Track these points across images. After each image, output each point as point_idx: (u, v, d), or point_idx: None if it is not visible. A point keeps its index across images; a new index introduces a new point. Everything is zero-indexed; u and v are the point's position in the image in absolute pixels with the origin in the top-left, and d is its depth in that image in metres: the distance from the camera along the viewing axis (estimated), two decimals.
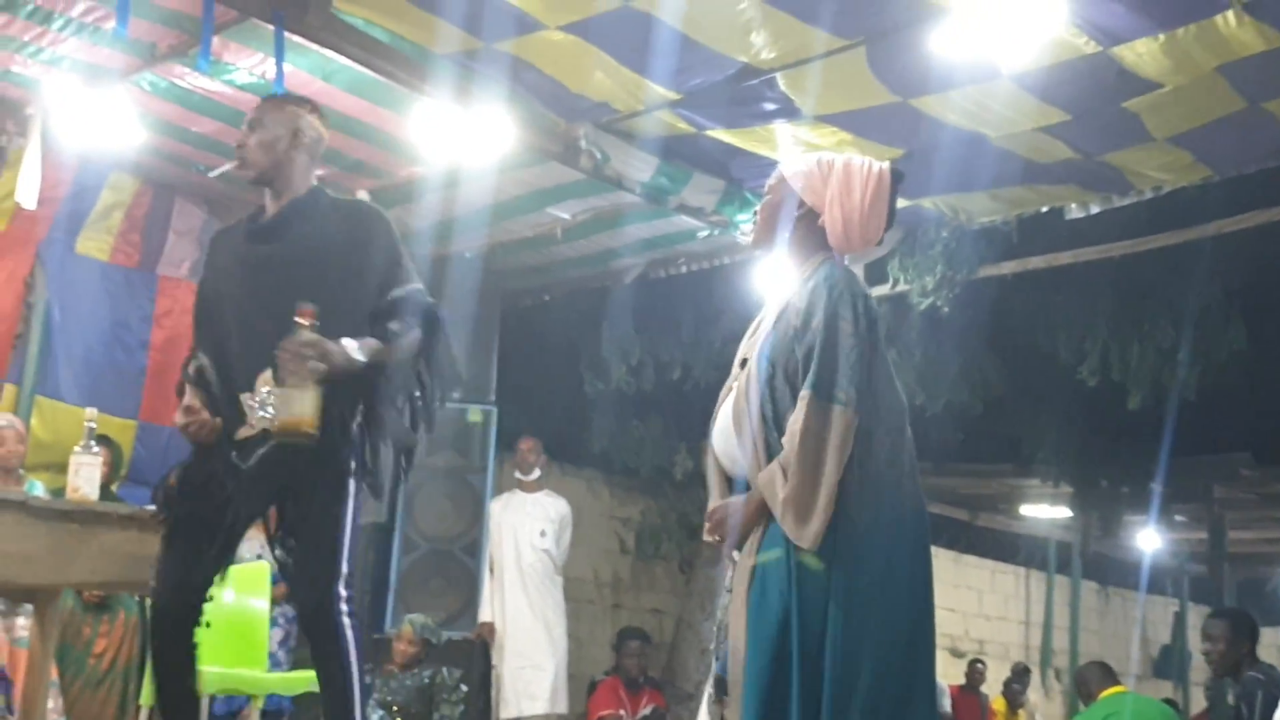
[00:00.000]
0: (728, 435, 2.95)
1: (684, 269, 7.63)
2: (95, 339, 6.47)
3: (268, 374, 3.05)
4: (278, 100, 3.45)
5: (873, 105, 5.33)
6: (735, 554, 2.89)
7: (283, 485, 3.10)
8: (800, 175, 2.91)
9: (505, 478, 7.64)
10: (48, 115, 5.58)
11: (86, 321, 6.45)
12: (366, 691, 3.09)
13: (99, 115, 5.50)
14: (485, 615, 7.09)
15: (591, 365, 8.87)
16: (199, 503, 3.12)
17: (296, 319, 2.97)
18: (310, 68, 5.20)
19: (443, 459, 7.36)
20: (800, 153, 5.89)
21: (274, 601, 5.46)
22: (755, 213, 3.02)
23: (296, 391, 2.95)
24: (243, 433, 3.12)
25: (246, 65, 5.26)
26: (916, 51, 4.80)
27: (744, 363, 2.99)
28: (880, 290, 6.94)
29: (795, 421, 2.73)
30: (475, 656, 7.01)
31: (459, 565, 7.19)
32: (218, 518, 3.10)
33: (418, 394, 3.26)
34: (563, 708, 7.16)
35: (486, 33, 4.92)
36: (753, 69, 5.10)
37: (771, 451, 2.80)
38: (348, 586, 3.00)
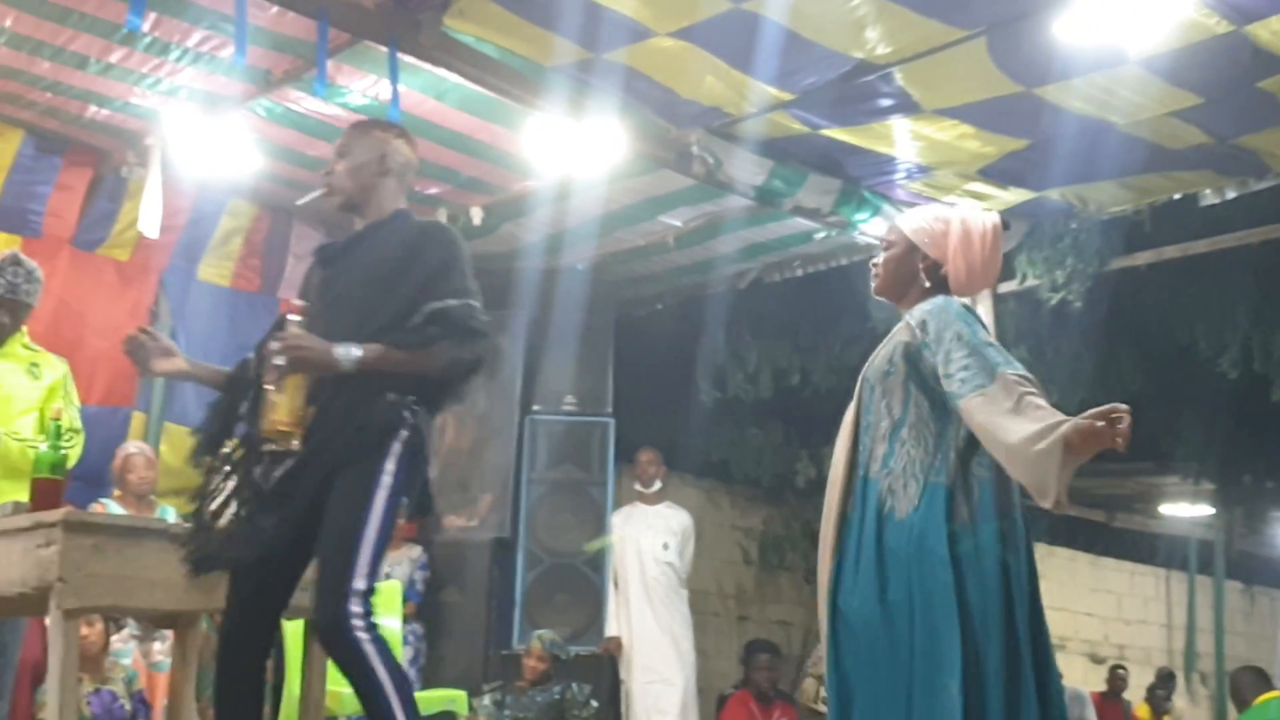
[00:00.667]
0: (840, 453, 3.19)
1: (800, 272, 7.63)
2: (220, 363, 6.61)
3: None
4: (365, 126, 3.46)
5: (994, 96, 5.30)
6: None
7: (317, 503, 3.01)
8: (922, 230, 3.19)
9: (625, 490, 7.71)
10: (167, 145, 5.79)
11: (210, 347, 6.64)
12: (411, 706, 2.94)
13: (216, 143, 5.70)
14: (611, 630, 7.17)
15: (708, 373, 8.91)
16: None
17: (287, 315, 3.01)
18: (423, 87, 5.34)
19: (563, 472, 7.47)
20: (915, 149, 5.91)
21: (404, 619, 5.57)
22: (874, 264, 3.26)
23: (273, 392, 2.96)
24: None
25: (360, 87, 5.41)
26: (1040, 39, 4.77)
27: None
28: (1008, 286, 6.88)
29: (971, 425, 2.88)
30: (603, 671, 7.09)
31: (583, 579, 7.28)
32: (274, 545, 3.03)
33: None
34: None
35: (597, 43, 4.99)
36: (868, 65, 5.10)
37: (851, 464, 3.07)
38: (364, 604, 2.89)
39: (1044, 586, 2.95)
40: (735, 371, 8.90)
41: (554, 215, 6.85)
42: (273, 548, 3.00)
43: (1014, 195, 6.38)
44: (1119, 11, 4.52)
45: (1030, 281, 6.82)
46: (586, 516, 7.43)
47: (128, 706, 5.45)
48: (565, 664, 6.57)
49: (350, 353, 2.94)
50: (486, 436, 7.49)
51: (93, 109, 5.74)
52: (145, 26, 4.76)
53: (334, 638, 2.87)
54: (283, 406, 2.95)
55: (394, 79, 4.91)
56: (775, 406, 9.23)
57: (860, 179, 6.31)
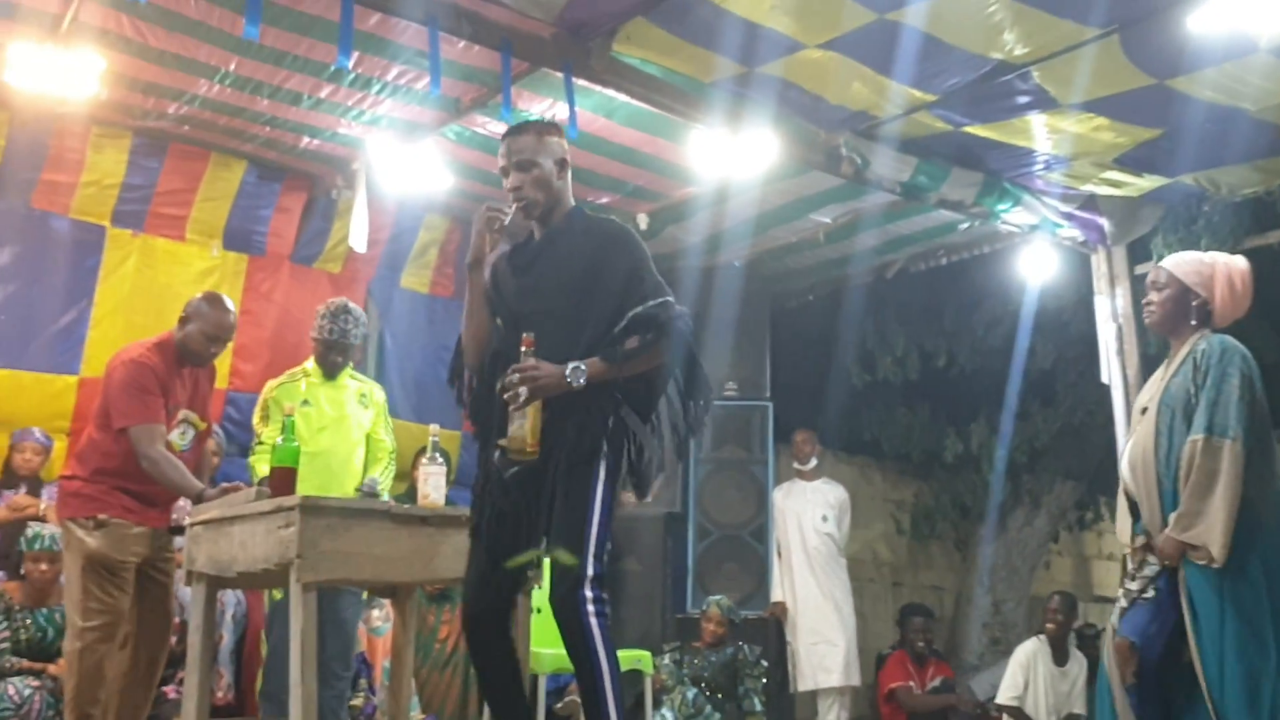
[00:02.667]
0: (1135, 471, 3.56)
1: (944, 260, 7.50)
2: (422, 362, 6.87)
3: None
4: (535, 132, 3.22)
5: (1128, 90, 5.13)
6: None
7: (548, 488, 3.05)
8: (1193, 273, 3.64)
9: (784, 468, 7.69)
10: (371, 169, 5.98)
11: (414, 347, 6.87)
12: (620, 692, 2.94)
13: (414, 165, 5.85)
14: (777, 595, 7.17)
15: (858, 358, 8.82)
16: (495, 506, 3.13)
17: (521, 347, 3.01)
18: (594, 107, 5.40)
19: (727, 452, 7.50)
20: (1052, 142, 5.75)
21: None
22: (1150, 303, 3.67)
23: (515, 414, 3.00)
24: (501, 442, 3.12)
25: (539, 110, 5.49)
26: (1172, 33, 4.61)
27: (1144, 410, 3.62)
28: (1145, 268, 6.65)
29: (1203, 457, 3.37)
30: (770, 634, 7.09)
31: (749, 549, 7.30)
32: (512, 520, 3.10)
33: (677, 402, 3.16)
34: (855, 680, 7.15)
35: (752, 59, 4.98)
36: (1006, 65, 4.99)
37: (1161, 485, 3.47)
38: (595, 588, 2.92)
39: None
40: (884, 355, 8.79)
41: (712, 217, 6.86)
42: (501, 532, 3.09)
43: (1148, 181, 6.17)
44: (1250, 2, 4.34)
45: None
46: (749, 492, 7.44)
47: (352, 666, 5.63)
48: (737, 627, 6.59)
49: (579, 374, 2.96)
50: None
51: (306, 139, 5.95)
52: (350, 64, 4.91)
53: (569, 619, 2.90)
54: (528, 429, 3.00)
55: (571, 101, 4.97)
56: (922, 387, 9.08)
57: (1001, 172, 6.18)
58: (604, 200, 6.64)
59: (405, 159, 5.82)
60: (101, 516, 4.15)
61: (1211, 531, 3.31)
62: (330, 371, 5.07)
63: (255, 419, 5.14)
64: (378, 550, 3.35)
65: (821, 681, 7.07)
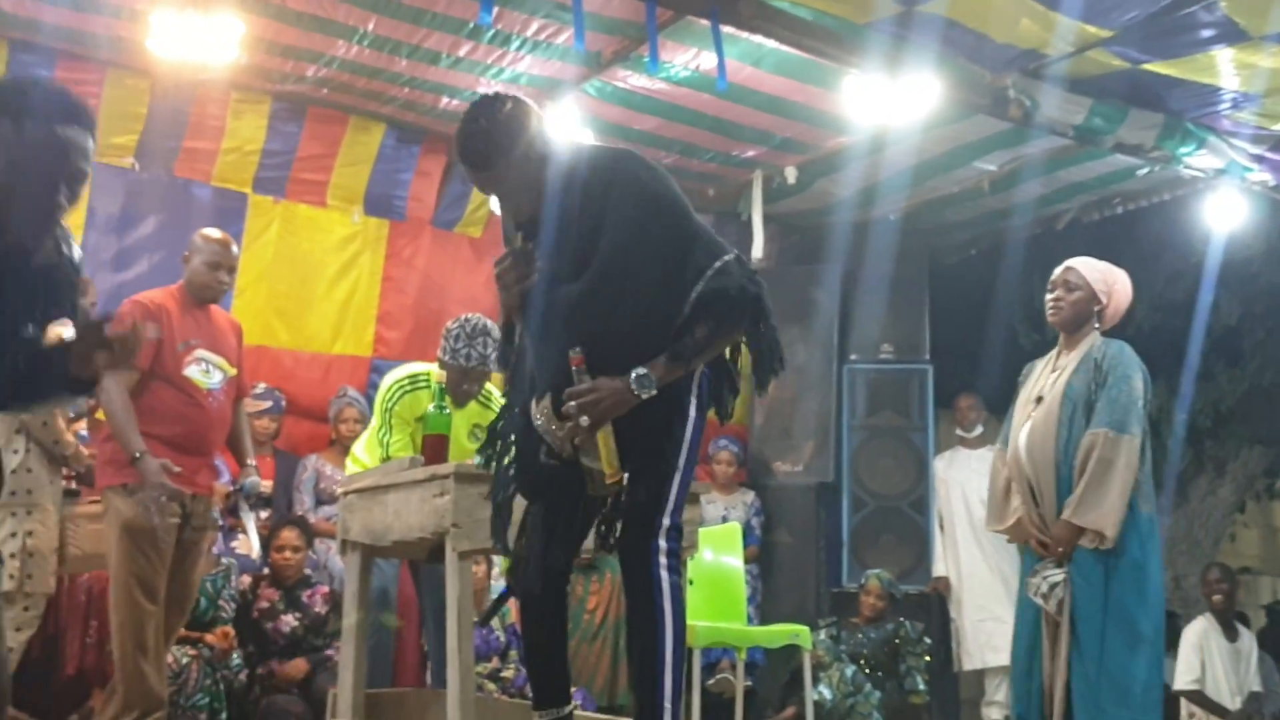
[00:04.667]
0: (1032, 457, 3.99)
1: (1120, 209, 7.26)
2: None
3: (545, 402, 2.82)
4: (483, 147, 2.89)
5: None
6: None
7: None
8: (1100, 280, 4.12)
9: (944, 435, 7.57)
10: None
11: None
12: (681, 661, 2.77)
13: (554, 123, 5.88)
14: (939, 570, 7.07)
15: (1026, 316, 8.59)
16: (545, 484, 2.95)
17: (571, 367, 2.74)
18: (741, 55, 5.36)
19: (883, 419, 7.41)
20: (1241, 78, 5.52)
21: (745, 561, 5.65)
22: (1060, 300, 4.12)
23: (586, 445, 2.77)
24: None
25: (682, 61, 5.48)
26: None
27: (1039, 399, 4.02)
28: None
29: (1101, 450, 3.83)
30: (932, 610, 7.01)
31: (908, 521, 7.21)
32: (567, 498, 2.93)
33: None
34: None
35: None
36: None
37: (1058, 472, 3.91)
38: (672, 538, 2.78)
39: None
40: None
41: (867, 169, 6.75)
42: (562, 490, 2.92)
43: None
44: None
45: None
46: (908, 461, 7.35)
47: (502, 638, 5.76)
48: (897, 602, 6.53)
49: (646, 384, 2.73)
50: (806, 386, 7.50)
51: (445, 99, 6.03)
52: (491, 20, 4.95)
53: (637, 569, 2.79)
54: (603, 459, 2.75)
55: (719, 50, 4.93)
56: None
57: (1183, 112, 5.94)
58: (750, 154, 6.60)
59: (546, 117, 5.83)
60: (133, 484, 4.18)
61: (1107, 517, 3.78)
62: (461, 401, 4.45)
63: (376, 423, 4.61)
64: None
65: (989, 660, 6.93)
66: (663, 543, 2.76)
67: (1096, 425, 3.86)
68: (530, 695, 3.07)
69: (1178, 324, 8.13)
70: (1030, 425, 3.98)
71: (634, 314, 2.78)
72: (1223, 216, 6.65)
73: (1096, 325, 4.11)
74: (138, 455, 4.12)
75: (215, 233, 4.57)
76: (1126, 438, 3.85)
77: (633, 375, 2.72)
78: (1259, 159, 6.25)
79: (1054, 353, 4.19)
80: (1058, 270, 4.20)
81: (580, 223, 2.82)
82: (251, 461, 4.69)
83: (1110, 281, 4.15)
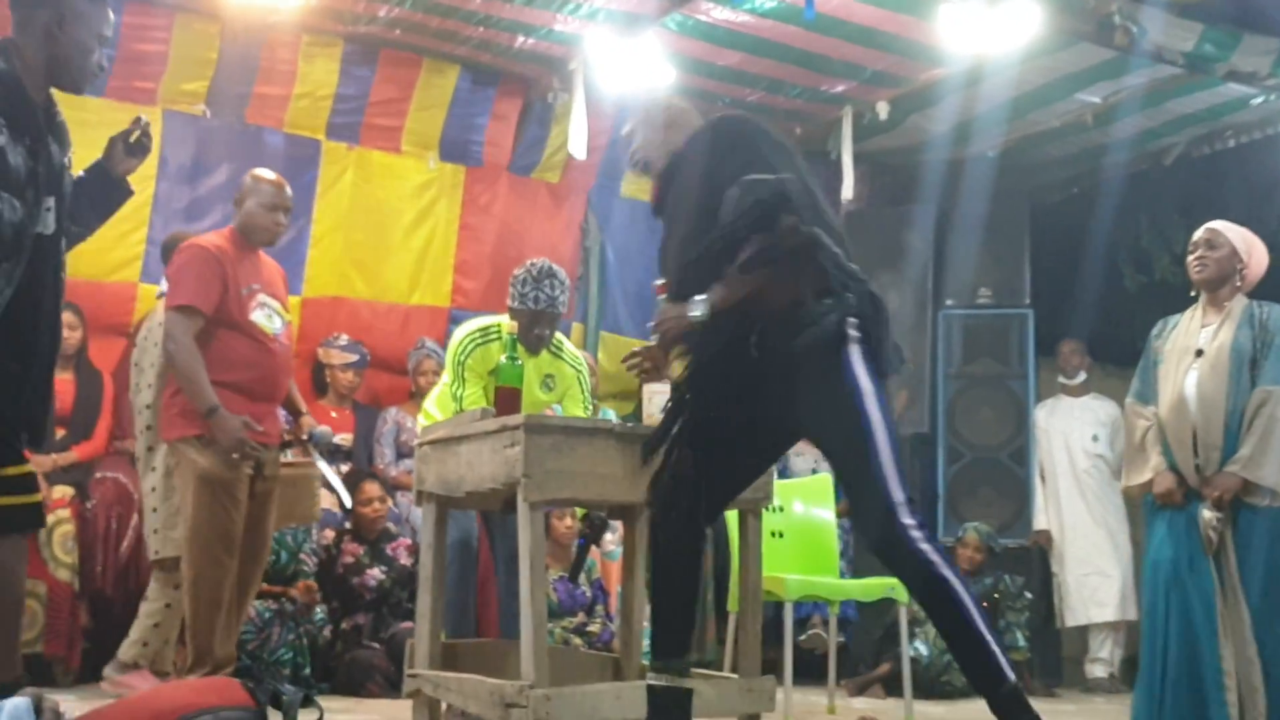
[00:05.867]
0: (1203, 410, 4.06)
1: (1231, 143, 6.99)
2: (645, 273, 6.86)
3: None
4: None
5: None
6: None
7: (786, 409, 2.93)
8: (1240, 240, 4.21)
9: (1045, 383, 7.40)
10: (588, 68, 5.96)
11: (637, 260, 6.87)
12: (981, 610, 2.73)
13: (633, 62, 5.80)
14: (1040, 523, 6.96)
15: (1132, 258, 8.35)
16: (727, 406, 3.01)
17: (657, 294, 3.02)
18: None
19: (980, 366, 7.26)
20: None
21: (837, 515, 5.58)
22: (1205, 259, 4.20)
23: (661, 365, 3.13)
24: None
25: None
26: None
27: (1199, 353, 4.12)
28: None
29: (1273, 407, 3.97)
30: (1033, 564, 6.89)
31: (1007, 473, 7.07)
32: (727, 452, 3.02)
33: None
34: (1133, 614, 6.83)
35: None
36: None
37: (1227, 428, 4.02)
38: (914, 513, 2.73)
39: None
40: (1161, 254, 8.27)
41: (962, 103, 6.56)
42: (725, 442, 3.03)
43: None
44: None
45: None
46: (1007, 410, 7.19)
47: (588, 593, 5.76)
48: (996, 556, 6.42)
49: (699, 304, 2.90)
50: (899, 333, 7.30)
51: (520, 39, 5.97)
52: None
53: (896, 556, 2.75)
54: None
55: None
56: None
57: None
58: (839, 89, 6.45)
59: (624, 55, 5.78)
60: (208, 436, 4.17)
61: (1278, 474, 3.95)
62: (535, 346, 4.51)
63: (449, 377, 4.62)
64: (602, 469, 3.39)
65: (1094, 616, 6.84)
66: (907, 519, 2.72)
67: (1268, 383, 4.02)
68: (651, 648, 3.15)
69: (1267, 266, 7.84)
70: (1198, 376, 4.12)
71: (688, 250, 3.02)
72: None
73: (1239, 285, 4.23)
74: (211, 409, 4.13)
75: (268, 173, 4.55)
76: None
77: (690, 304, 2.93)
78: None
79: (1195, 310, 4.30)
80: (1199, 232, 4.33)
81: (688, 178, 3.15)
82: (305, 409, 4.70)
83: (1250, 242, 4.29)
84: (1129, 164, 7.43)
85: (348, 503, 5.22)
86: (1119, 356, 8.80)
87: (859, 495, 2.87)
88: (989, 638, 2.68)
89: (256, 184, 4.46)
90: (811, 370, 2.84)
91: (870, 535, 2.82)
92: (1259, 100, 6.35)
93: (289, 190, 4.53)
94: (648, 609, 3.94)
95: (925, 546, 2.70)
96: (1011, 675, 2.68)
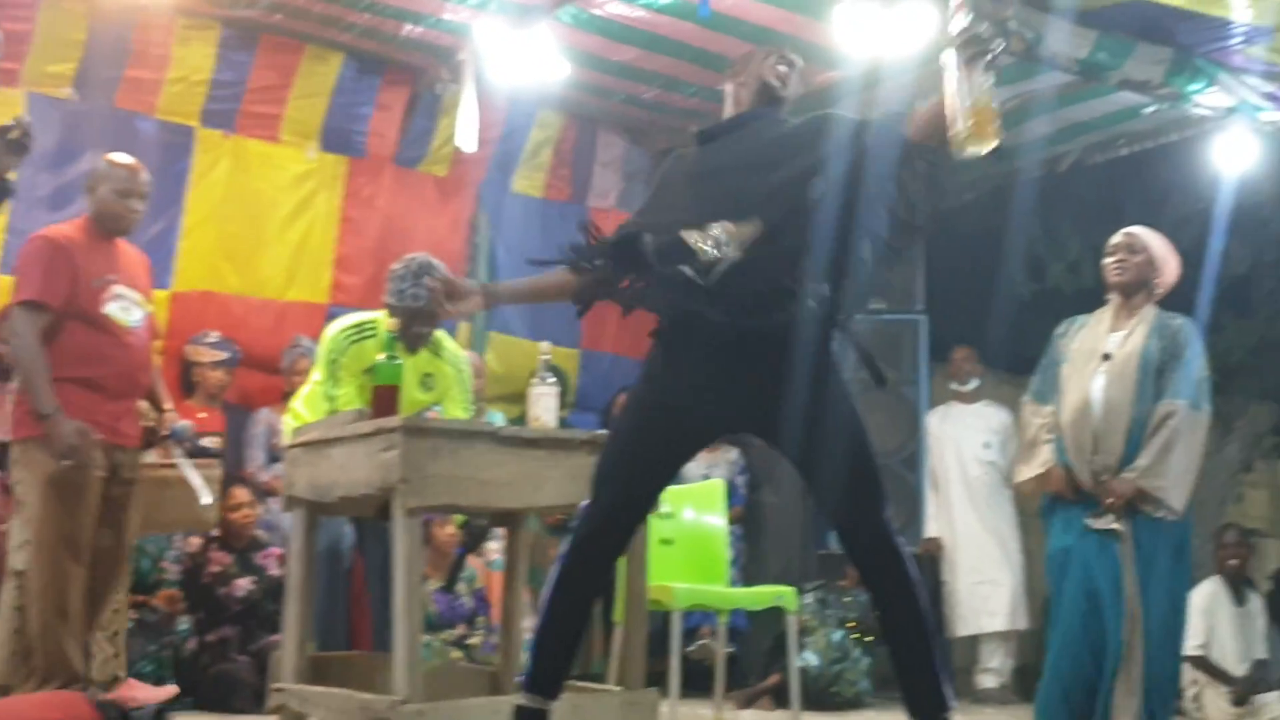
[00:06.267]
0: (1107, 412, 4.14)
1: (1124, 151, 7.09)
2: (537, 274, 6.76)
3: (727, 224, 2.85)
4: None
5: None
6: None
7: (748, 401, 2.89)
8: (1159, 248, 4.32)
9: (939, 389, 7.44)
10: (478, 59, 5.82)
11: (526, 256, 6.74)
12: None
13: (526, 54, 5.68)
14: (931, 530, 6.98)
15: (1025, 265, 8.48)
16: (650, 422, 2.95)
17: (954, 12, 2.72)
18: None
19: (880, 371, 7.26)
20: (1255, 11, 5.35)
21: (730, 522, 5.53)
22: (1124, 262, 4.27)
23: (979, 81, 2.64)
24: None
25: None
26: None
27: (1106, 356, 4.19)
28: None
29: (1179, 423, 4.08)
30: (924, 573, 6.87)
31: (898, 479, 7.07)
32: (668, 438, 2.95)
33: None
34: (1022, 624, 6.93)
35: None
36: None
37: (1130, 433, 4.10)
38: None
39: None
40: (1055, 261, 8.44)
41: (859, 106, 6.55)
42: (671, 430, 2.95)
43: None
44: None
45: None
46: (899, 416, 7.20)
47: (469, 604, 5.63)
48: None
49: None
50: None
51: (408, 27, 5.81)
52: None
53: (887, 546, 2.83)
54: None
55: None
56: (1099, 296, 8.67)
57: (1193, 47, 5.74)
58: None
59: (516, 47, 5.65)
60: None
61: (1176, 489, 4.05)
62: (415, 345, 4.40)
63: (320, 375, 4.45)
64: (484, 475, 3.32)
65: (984, 625, 6.88)
66: (888, 514, 2.86)
67: (1174, 396, 4.10)
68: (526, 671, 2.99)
69: (1184, 272, 7.94)
70: (1105, 380, 4.17)
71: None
72: (1233, 159, 6.49)
73: (1152, 292, 4.32)
74: (47, 414, 3.93)
75: (122, 157, 4.38)
76: (1202, 414, 4.15)
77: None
78: (1271, 97, 6.09)
79: (1104, 313, 4.36)
80: (1117, 236, 4.41)
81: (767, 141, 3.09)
82: (169, 406, 4.52)
83: (1167, 251, 4.38)
84: (1024, 171, 7.48)
85: (205, 501, 5.01)
86: (1012, 364, 8.90)
87: (858, 485, 2.87)
88: (938, 659, 2.77)
89: (110, 169, 4.30)
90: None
91: (871, 524, 2.83)
92: (1151, 109, 6.43)
93: (145, 175, 4.35)
94: (527, 621, 3.86)
95: (902, 540, 2.85)
96: (954, 704, 2.76)
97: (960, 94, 2.63)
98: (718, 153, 3.08)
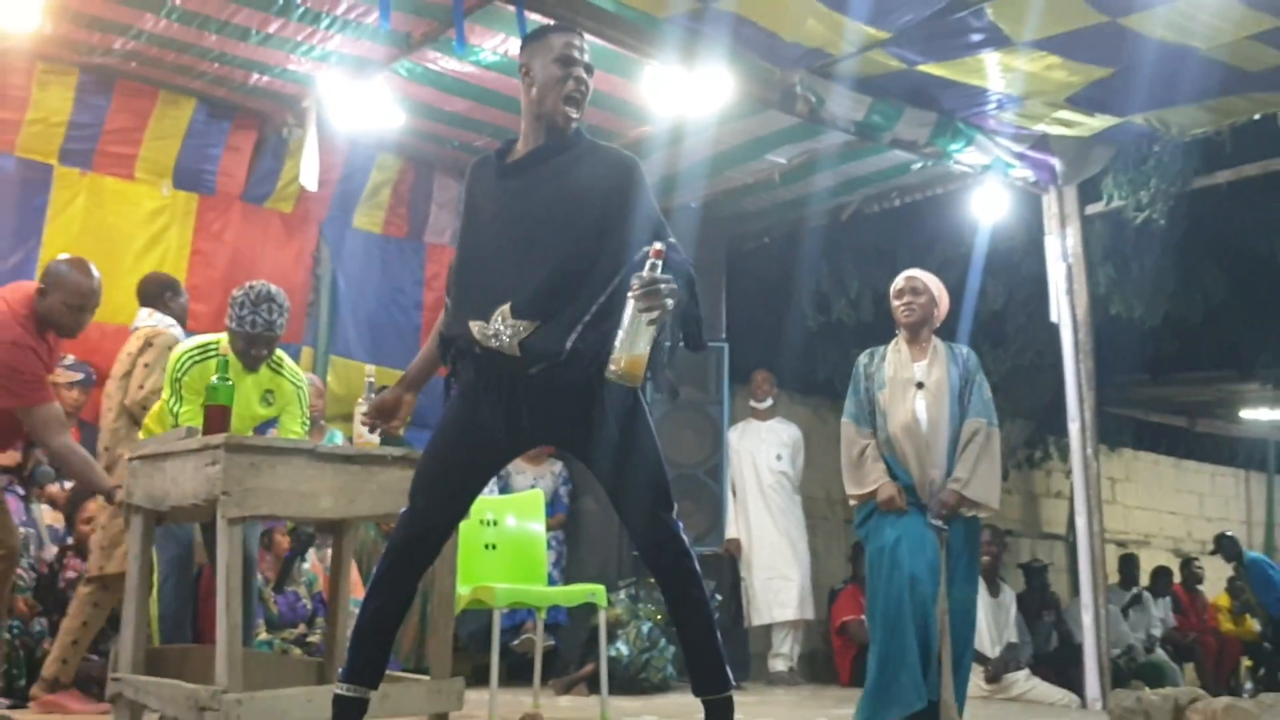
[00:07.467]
0: (927, 433, 4.26)
1: (897, 202, 7.32)
2: (375, 303, 6.65)
3: (506, 308, 2.76)
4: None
5: (1081, 27, 4.96)
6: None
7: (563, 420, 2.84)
8: (937, 289, 4.45)
9: (739, 408, 7.55)
10: (321, 106, 5.73)
11: (366, 288, 6.64)
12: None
13: (365, 103, 5.61)
14: (731, 532, 7.05)
15: (813, 300, 8.67)
16: (465, 440, 2.89)
17: (651, 258, 2.59)
18: None
19: (683, 394, 7.31)
20: (1005, 81, 5.60)
21: (549, 528, 5.50)
22: (913, 304, 4.35)
23: (645, 331, 2.55)
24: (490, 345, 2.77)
25: (490, 45, 5.27)
26: None
27: (920, 385, 4.31)
28: (1095, 208, 6.52)
29: (984, 439, 4.24)
30: (724, 570, 6.99)
31: (703, 488, 7.13)
32: (479, 456, 2.90)
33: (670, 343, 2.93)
34: (809, 614, 7.07)
35: None
36: (960, 2, 4.80)
37: (946, 451, 4.24)
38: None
39: (1131, 489, 3.68)
40: (839, 297, 8.64)
41: (668, 158, 6.63)
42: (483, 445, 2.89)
43: (1099, 121, 6.01)
44: None
45: (1116, 203, 6.44)
46: (705, 432, 7.26)
47: (309, 605, 5.49)
48: None
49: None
50: None
51: (255, 76, 5.69)
52: None
53: (681, 548, 2.77)
54: (646, 355, 2.61)
55: (524, 35, 4.71)
56: (876, 329, 8.91)
57: (954, 111, 6.00)
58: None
59: (356, 96, 5.58)
60: None
61: (991, 493, 4.22)
62: (252, 365, 4.24)
63: (166, 393, 4.27)
64: (302, 487, 3.25)
65: (776, 615, 6.99)
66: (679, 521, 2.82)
67: (976, 415, 4.26)
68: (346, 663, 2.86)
69: (950, 308, 8.28)
70: (926, 404, 4.28)
71: (601, 259, 2.86)
72: (988, 210, 6.76)
73: (933, 326, 4.45)
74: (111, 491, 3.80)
75: (82, 265, 4.17)
76: (998, 431, 4.34)
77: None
78: (1020, 156, 6.37)
79: (899, 345, 4.42)
80: (901, 280, 4.50)
81: (579, 178, 3.00)
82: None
83: (940, 288, 4.50)
84: (812, 218, 7.69)
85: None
86: (801, 385, 9.13)
87: (649, 493, 2.80)
88: (720, 644, 2.77)
89: (66, 276, 4.08)
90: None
91: (664, 528, 2.78)
92: (919, 166, 6.67)
93: (97, 284, 4.16)
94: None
95: (688, 542, 2.80)
96: (733, 684, 2.76)
97: (627, 334, 2.56)
98: (522, 195, 2.92)
